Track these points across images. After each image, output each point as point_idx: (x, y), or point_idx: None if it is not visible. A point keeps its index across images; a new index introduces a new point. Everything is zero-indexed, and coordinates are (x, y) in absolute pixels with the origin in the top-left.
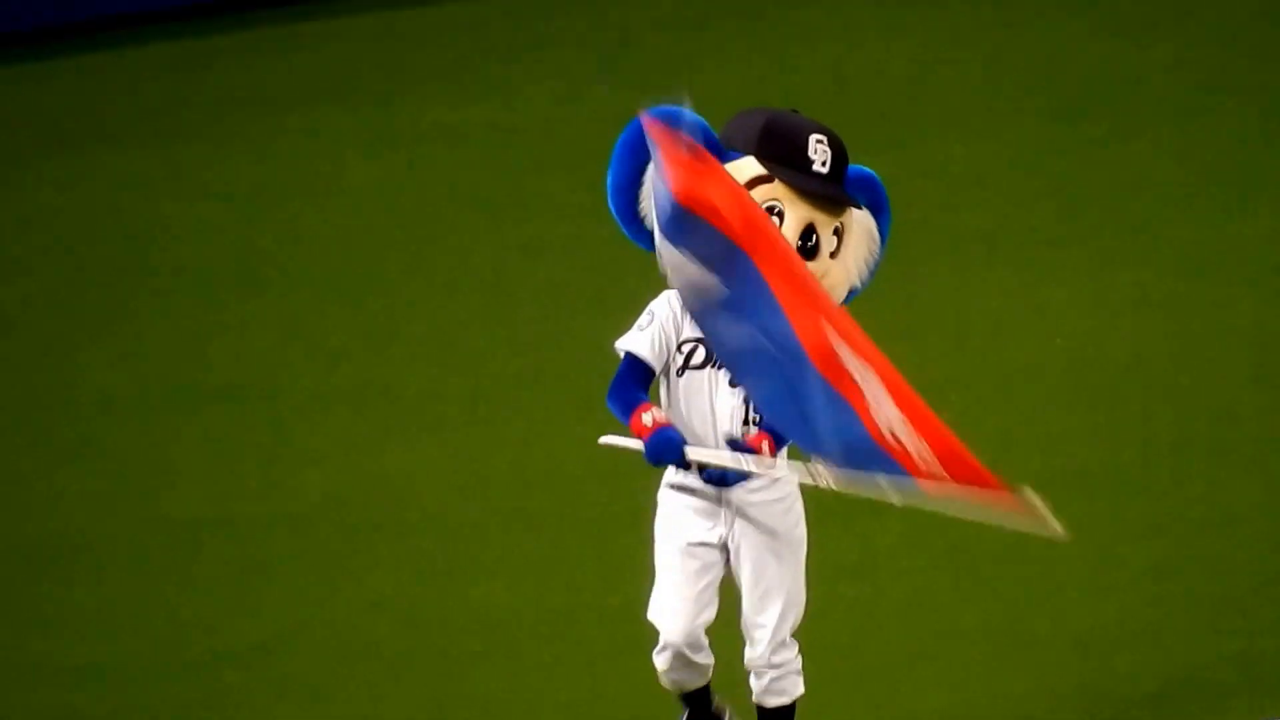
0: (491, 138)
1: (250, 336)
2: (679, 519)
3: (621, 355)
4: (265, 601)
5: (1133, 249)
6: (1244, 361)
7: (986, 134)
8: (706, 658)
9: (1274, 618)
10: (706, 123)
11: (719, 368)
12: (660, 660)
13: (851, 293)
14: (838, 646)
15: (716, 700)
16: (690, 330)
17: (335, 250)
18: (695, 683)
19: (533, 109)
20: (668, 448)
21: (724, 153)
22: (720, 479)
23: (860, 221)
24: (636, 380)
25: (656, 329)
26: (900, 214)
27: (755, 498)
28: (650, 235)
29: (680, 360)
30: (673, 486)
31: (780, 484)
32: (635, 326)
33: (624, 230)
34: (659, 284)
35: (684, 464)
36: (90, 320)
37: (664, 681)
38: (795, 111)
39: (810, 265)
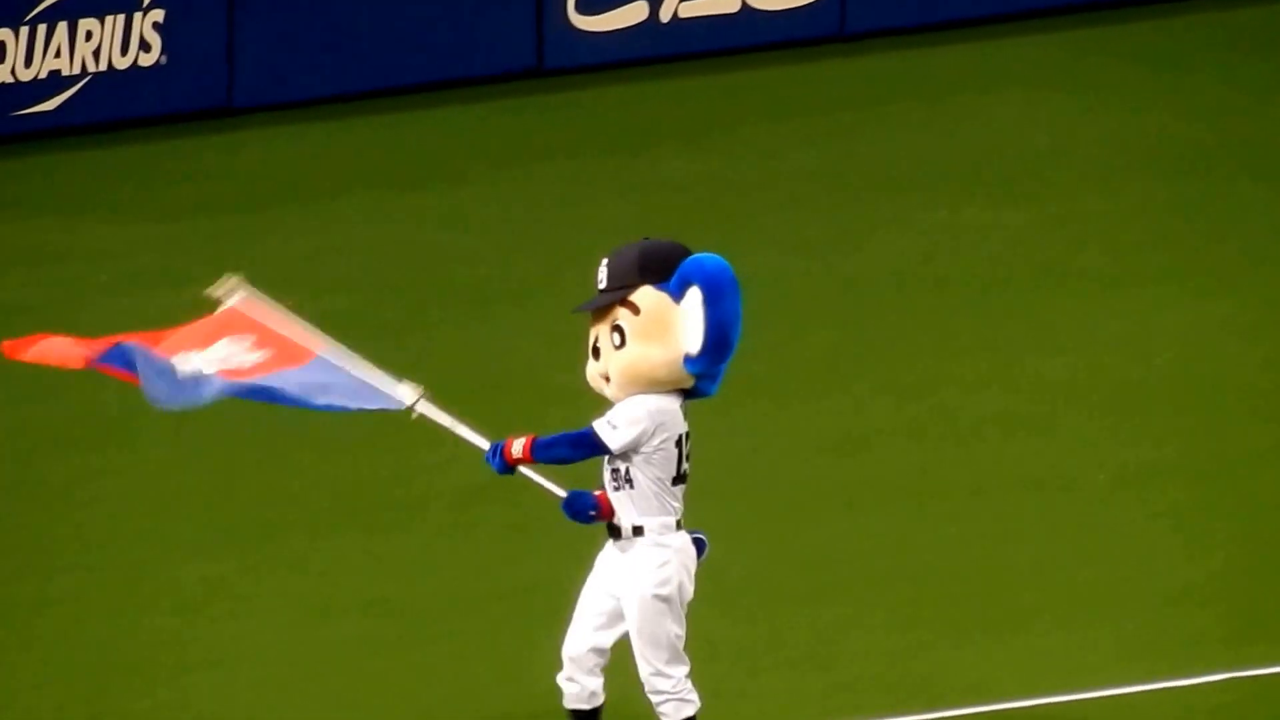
0: None
1: None
2: (598, 562)
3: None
4: None
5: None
6: None
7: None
8: (594, 683)
9: None
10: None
11: None
12: (561, 675)
13: (705, 358)
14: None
15: None
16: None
17: None
18: (579, 705)
19: None
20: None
21: None
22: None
23: (686, 303)
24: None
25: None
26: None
27: (632, 555)
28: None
29: None
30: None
31: (650, 549)
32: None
33: None
34: None
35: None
36: None
37: (563, 694)
38: (642, 240)
39: (599, 363)
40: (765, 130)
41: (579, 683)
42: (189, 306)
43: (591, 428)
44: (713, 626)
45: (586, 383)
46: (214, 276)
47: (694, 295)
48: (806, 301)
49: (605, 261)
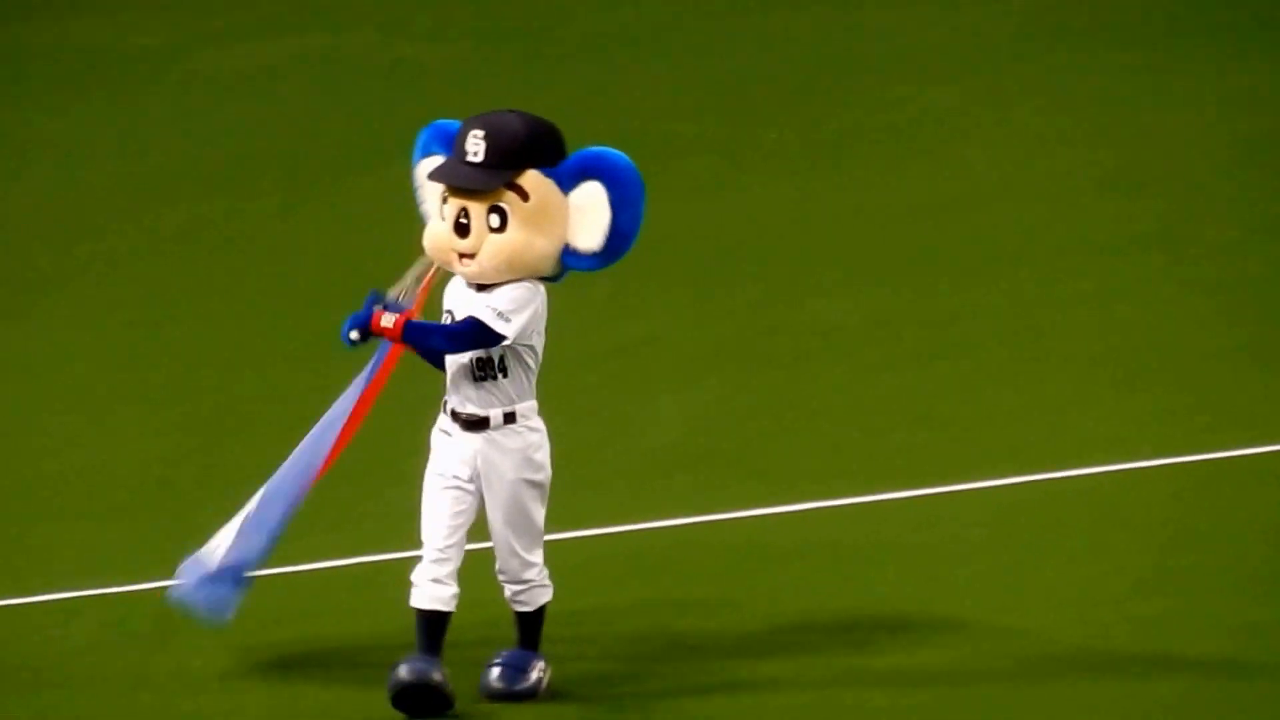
0: None
1: None
2: (440, 457)
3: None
4: None
5: None
6: None
7: None
8: (452, 583)
9: None
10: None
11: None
12: (416, 574)
13: (597, 257)
14: None
15: (442, 676)
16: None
17: None
18: (438, 605)
19: None
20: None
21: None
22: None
23: (581, 197)
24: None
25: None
26: None
27: (502, 443)
28: None
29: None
30: (439, 430)
31: (525, 433)
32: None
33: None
34: None
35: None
36: None
37: (415, 598)
38: (509, 111)
39: (466, 240)
40: None
41: (446, 585)
42: (294, 58)
43: (474, 319)
44: (831, 382)
45: (426, 246)
46: (323, 25)
47: (595, 191)
48: (925, 57)
49: (482, 133)
